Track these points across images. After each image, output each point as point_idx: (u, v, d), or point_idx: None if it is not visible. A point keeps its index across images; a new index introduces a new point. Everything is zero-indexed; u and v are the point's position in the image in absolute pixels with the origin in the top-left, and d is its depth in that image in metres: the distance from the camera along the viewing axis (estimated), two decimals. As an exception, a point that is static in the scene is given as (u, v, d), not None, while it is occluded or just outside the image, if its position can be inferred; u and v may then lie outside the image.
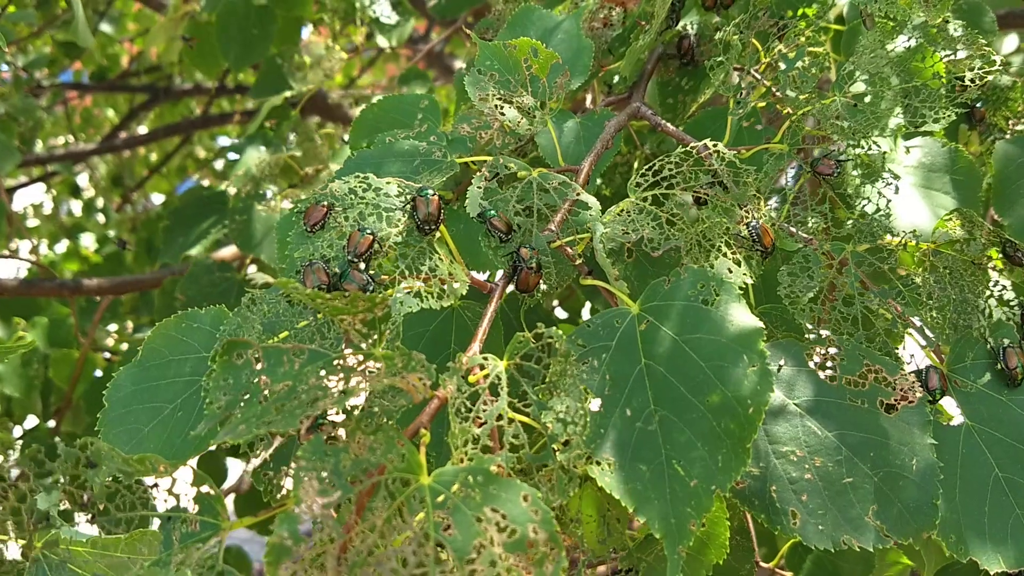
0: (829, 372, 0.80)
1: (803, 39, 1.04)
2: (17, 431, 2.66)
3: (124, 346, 2.92)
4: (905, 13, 0.96)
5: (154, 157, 5.50)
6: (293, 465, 0.57)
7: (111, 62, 4.74)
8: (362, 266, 0.75)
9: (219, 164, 5.63)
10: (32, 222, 4.90)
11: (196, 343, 0.81)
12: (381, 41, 2.31)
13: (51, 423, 2.51)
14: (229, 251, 2.25)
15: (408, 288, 0.74)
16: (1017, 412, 0.85)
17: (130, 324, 2.98)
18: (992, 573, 0.80)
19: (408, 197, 0.80)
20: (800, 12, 1.28)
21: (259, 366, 0.65)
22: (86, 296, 2.45)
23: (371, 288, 0.74)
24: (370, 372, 0.63)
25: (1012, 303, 0.90)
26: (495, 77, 0.94)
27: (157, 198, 5.79)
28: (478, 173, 0.87)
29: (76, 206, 5.31)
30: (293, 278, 0.74)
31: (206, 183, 5.87)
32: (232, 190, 1.93)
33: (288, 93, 2.09)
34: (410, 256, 0.77)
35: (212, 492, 0.62)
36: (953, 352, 0.87)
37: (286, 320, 0.72)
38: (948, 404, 0.86)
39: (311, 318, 0.73)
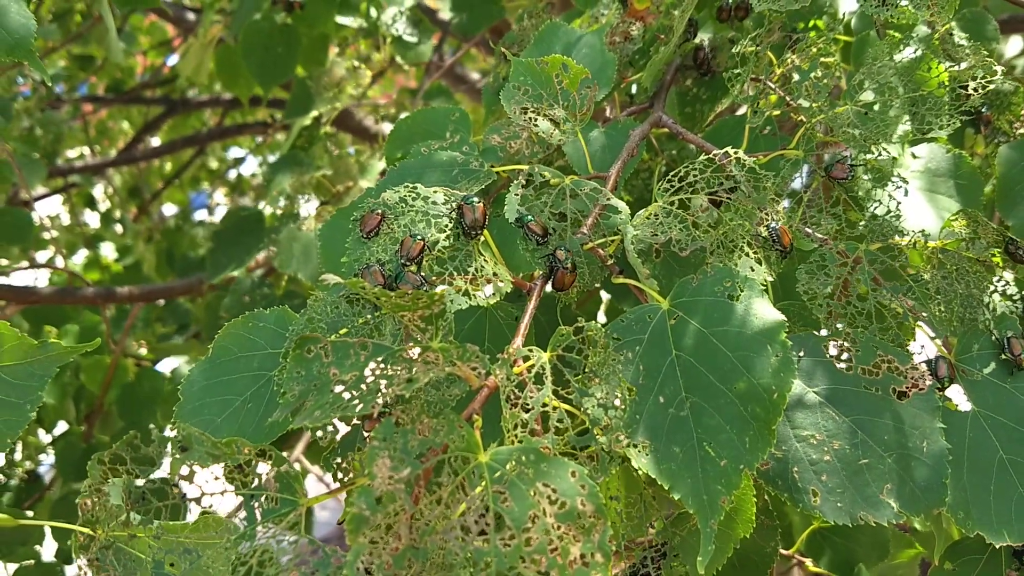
0: (845, 362, 0.87)
1: (815, 51, 1.10)
2: (47, 436, 2.74)
3: (142, 351, 2.99)
4: (914, 16, 1.02)
5: (168, 168, 5.59)
6: (367, 446, 0.64)
7: (125, 75, 4.83)
8: (414, 268, 0.82)
9: (231, 174, 5.74)
10: (49, 233, 4.97)
11: (262, 341, 0.88)
12: (400, 59, 2.38)
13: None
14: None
15: (457, 288, 0.81)
16: (1020, 399, 0.91)
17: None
18: (997, 547, 0.87)
19: (454, 205, 0.87)
20: (811, 24, 1.35)
21: (328, 359, 0.72)
22: (116, 304, 2.52)
23: (424, 288, 0.80)
24: (429, 363, 0.70)
25: (1015, 297, 0.96)
26: (528, 91, 1.01)
27: (168, 208, 5.87)
28: (515, 181, 0.93)
29: (91, 217, 5.39)
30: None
31: (220, 193, 5.97)
32: (268, 209, 2.01)
33: (315, 113, 2.16)
34: (457, 259, 0.84)
35: (290, 472, 0.68)
36: (960, 343, 0.94)
37: (346, 318, 0.79)
38: (955, 392, 0.92)
39: (369, 316, 0.79)
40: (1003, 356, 0.91)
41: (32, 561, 2.35)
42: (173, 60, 4.67)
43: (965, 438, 0.89)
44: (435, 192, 0.87)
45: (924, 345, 0.92)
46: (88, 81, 4.76)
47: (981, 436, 0.89)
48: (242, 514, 0.68)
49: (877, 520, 0.81)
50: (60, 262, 3.30)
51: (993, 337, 0.93)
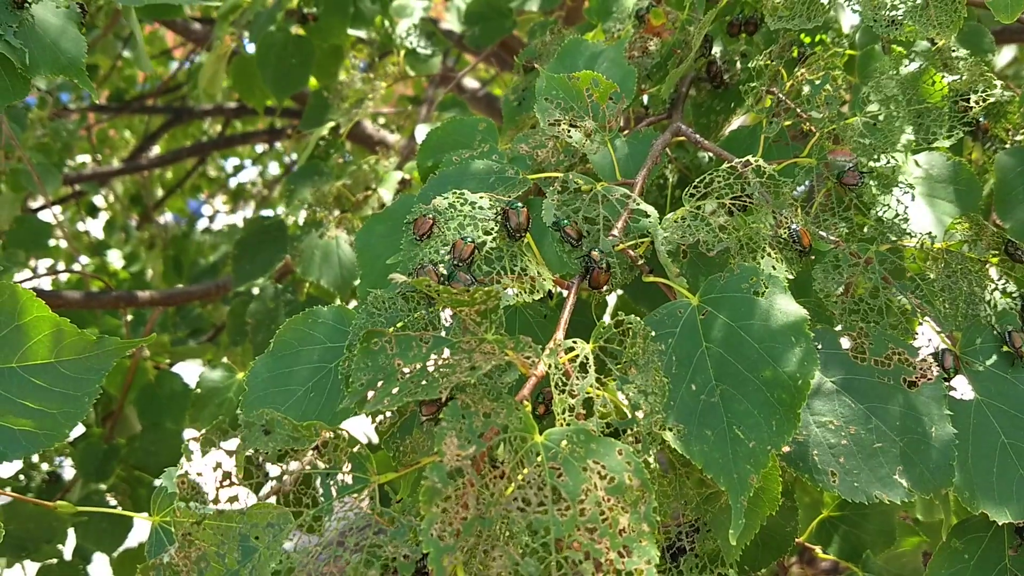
0: (859, 354, 0.94)
1: (823, 63, 1.18)
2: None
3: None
4: (920, 35, 1.09)
5: (168, 176, 5.66)
6: (437, 427, 0.71)
7: (127, 84, 4.90)
8: (465, 268, 0.89)
9: (232, 183, 5.81)
10: (52, 241, 5.01)
11: (320, 335, 0.94)
12: (409, 70, 2.45)
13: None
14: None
15: (505, 285, 0.88)
16: (1021, 388, 0.98)
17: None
18: (1000, 525, 0.94)
19: (499, 209, 0.94)
20: (818, 39, 1.43)
21: (393, 351, 0.79)
22: (137, 308, 2.58)
23: (474, 286, 0.87)
24: (487, 353, 0.77)
25: (1014, 294, 1.04)
26: (560, 104, 1.08)
27: (168, 216, 5.93)
28: (551, 187, 1.00)
29: (92, 225, 5.44)
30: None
31: (220, 201, 6.03)
32: (291, 219, 2.08)
33: (331, 124, 2.23)
34: (504, 259, 0.91)
35: (362, 452, 0.75)
36: (964, 337, 1.01)
37: (403, 313, 0.86)
38: (960, 382, 0.99)
39: (423, 311, 0.86)
40: (1004, 349, 0.99)
41: (55, 560, 2.41)
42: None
43: (970, 424, 0.96)
44: (481, 198, 0.94)
45: (931, 339, 1.00)
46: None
47: (985, 422, 0.96)
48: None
49: (891, 498, 0.88)
50: (77, 267, 3.35)
51: (995, 331, 1.00)
